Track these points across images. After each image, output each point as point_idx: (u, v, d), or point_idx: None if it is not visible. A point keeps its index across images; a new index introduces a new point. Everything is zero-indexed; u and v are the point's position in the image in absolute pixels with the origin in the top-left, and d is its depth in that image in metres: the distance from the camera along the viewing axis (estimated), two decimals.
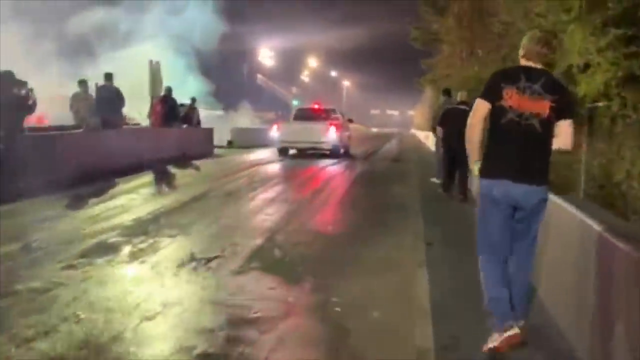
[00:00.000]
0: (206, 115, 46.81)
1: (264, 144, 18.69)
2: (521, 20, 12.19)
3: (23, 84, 8.98)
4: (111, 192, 8.40)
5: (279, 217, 6.93)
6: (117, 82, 12.55)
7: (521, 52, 3.25)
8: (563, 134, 3.15)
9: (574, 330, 3.28)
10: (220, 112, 62.23)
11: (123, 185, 9.10)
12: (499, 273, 3.22)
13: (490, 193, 3.17)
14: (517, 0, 11.63)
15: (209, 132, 17.31)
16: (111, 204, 7.50)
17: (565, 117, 3.13)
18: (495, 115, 3.12)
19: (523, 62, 3.21)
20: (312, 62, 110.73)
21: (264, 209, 7.41)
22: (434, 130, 10.82)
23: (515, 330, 3.10)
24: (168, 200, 7.96)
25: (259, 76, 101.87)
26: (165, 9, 36.74)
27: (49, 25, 28.76)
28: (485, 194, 3.22)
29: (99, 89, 12.57)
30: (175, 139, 14.52)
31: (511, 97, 3.06)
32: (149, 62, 15.14)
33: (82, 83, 12.23)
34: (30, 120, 16.31)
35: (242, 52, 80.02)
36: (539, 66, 3.15)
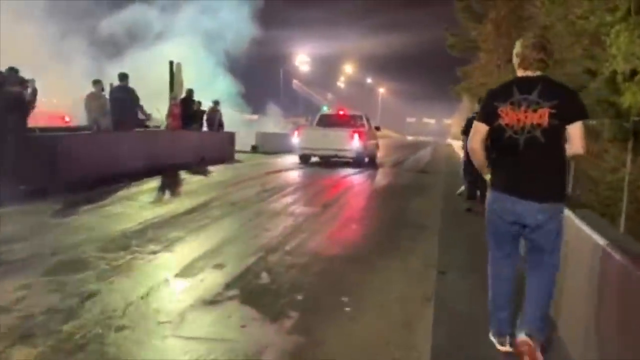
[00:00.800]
0: (235, 118, 47.04)
1: (289, 150, 18.10)
2: (561, 23, 11.37)
3: (25, 81, 8.67)
4: (108, 198, 7.92)
5: (279, 232, 6.28)
6: (145, 81, 12.31)
7: (516, 61, 3.10)
8: (572, 138, 2.97)
9: None
10: (251, 116, 62.57)
11: (124, 191, 8.64)
12: (502, 291, 3.23)
13: (491, 206, 3.19)
14: (556, 3, 10.78)
15: (231, 136, 16.85)
16: (103, 212, 7.02)
17: (572, 121, 2.95)
18: (495, 135, 3.08)
19: (520, 72, 3.07)
20: (348, 68, 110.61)
21: (265, 223, 6.78)
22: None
23: (507, 349, 3.18)
24: (166, 209, 7.43)
25: (295, 81, 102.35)
26: (200, 9, 36.85)
27: (81, 24, 29.19)
28: (487, 206, 3.24)
29: (113, 89, 12.25)
30: (193, 143, 14.10)
31: (507, 115, 3.00)
32: (169, 62, 14.74)
33: (97, 83, 11.89)
34: (53, 120, 16.34)
35: (279, 57, 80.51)
36: (537, 73, 3.02)
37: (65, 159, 8.49)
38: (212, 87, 34.96)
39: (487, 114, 3.09)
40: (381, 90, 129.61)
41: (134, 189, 8.87)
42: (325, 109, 29.84)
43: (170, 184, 9.75)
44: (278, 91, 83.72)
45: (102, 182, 8.89)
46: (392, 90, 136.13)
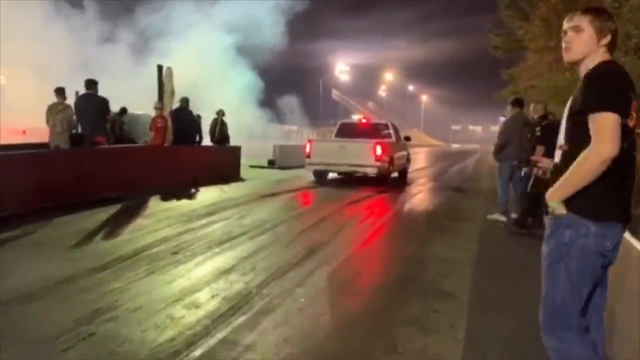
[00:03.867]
0: (274, 129, 45.85)
1: None
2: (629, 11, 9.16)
3: None
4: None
5: (191, 321, 3.91)
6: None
7: (608, 42, 2.23)
8: None
9: None
10: (290, 127, 61.34)
11: (33, 230, 6.46)
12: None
13: (601, 244, 2.17)
14: None
15: (235, 151, 14.64)
16: None
17: None
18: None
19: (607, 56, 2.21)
20: (389, 76, 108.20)
21: (185, 296, 4.37)
22: (498, 150, 7.65)
23: None
24: (54, 266, 5.17)
25: (334, 91, 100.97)
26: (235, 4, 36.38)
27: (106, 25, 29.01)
28: (589, 245, 2.17)
29: (79, 99, 10.29)
30: (184, 160, 11.97)
31: (634, 113, 2.16)
32: (157, 67, 12.73)
33: (59, 92, 9.93)
34: (11, 135, 14.59)
35: (318, 67, 79.28)
36: None
37: None
38: (227, 80, 34.76)
39: (624, 104, 2.10)
40: (424, 97, 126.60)
41: (46, 228, 6.68)
42: (356, 118, 27.46)
43: (115, 218, 7.48)
44: (317, 101, 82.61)
45: (27, 216, 6.83)
46: (436, 97, 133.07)
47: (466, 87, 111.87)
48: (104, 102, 10.19)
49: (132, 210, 8.19)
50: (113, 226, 6.97)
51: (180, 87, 13.88)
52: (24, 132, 15.78)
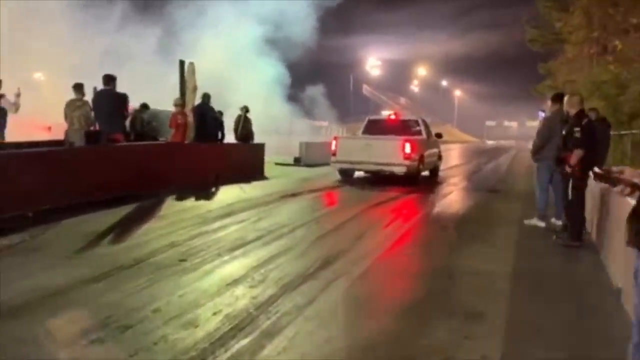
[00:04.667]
0: (301, 125, 45.58)
1: None
2: None
3: None
4: None
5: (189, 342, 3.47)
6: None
7: None
8: None
9: None
10: (321, 122, 60.93)
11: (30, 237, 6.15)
12: None
13: None
14: None
15: (259, 148, 14.25)
16: None
17: None
18: None
19: None
20: (422, 71, 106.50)
21: (185, 313, 3.93)
22: (537, 149, 6.97)
23: None
24: (51, 275, 4.81)
25: (365, 86, 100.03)
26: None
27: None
28: None
29: (96, 95, 10.01)
30: (206, 158, 11.62)
31: None
32: (179, 62, 12.42)
33: (78, 88, 9.67)
34: (35, 131, 14.53)
35: (349, 62, 78.56)
36: None
37: None
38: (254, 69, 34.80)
39: None
40: (457, 92, 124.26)
41: (48, 232, 6.36)
42: (385, 114, 26.78)
43: (126, 220, 7.11)
44: (348, 97, 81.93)
45: (37, 218, 6.56)
46: (470, 92, 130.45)
47: (502, 82, 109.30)
48: (122, 98, 9.88)
49: (146, 211, 7.86)
50: (122, 229, 6.62)
51: (206, 81, 13.62)
52: (50, 128, 15.71)
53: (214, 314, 3.89)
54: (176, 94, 12.38)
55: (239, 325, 3.66)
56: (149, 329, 3.61)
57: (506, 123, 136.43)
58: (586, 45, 28.29)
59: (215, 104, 15.96)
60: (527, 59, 42.88)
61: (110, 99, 9.69)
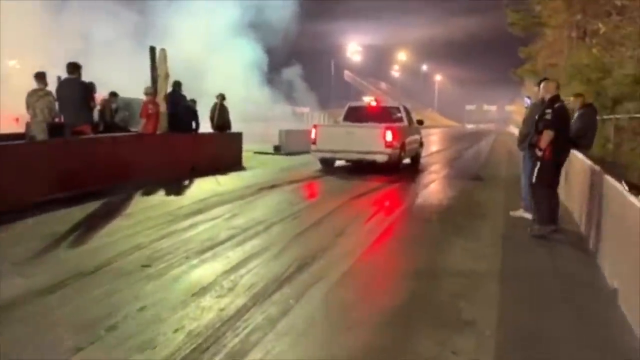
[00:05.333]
0: (282, 110, 45.00)
1: None
2: None
3: None
4: None
5: None
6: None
7: None
8: None
9: None
10: (302, 109, 60.35)
11: None
12: None
13: None
14: None
15: (236, 137, 13.75)
16: None
17: None
18: None
19: None
20: (402, 56, 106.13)
21: (142, 332, 3.51)
22: (524, 137, 6.71)
23: None
24: None
25: (346, 72, 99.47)
26: None
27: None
28: None
29: (60, 84, 9.45)
30: (180, 149, 11.13)
31: None
32: (150, 48, 11.82)
33: (39, 77, 9.08)
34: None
35: (329, 47, 77.94)
36: None
37: None
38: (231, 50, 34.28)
39: None
40: (438, 77, 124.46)
41: None
42: (367, 100, 26.37)
43: (80, 223, 6.55)
44: (328, 83, 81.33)
45: None
46: (450, 77, 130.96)
47: (481, 66, 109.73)
48: (88, 88, 9.35)
49: (112, 208, 7.38)
50: (84, 230, 6.16)
51: (184, 68, 13.03)
52: (17, 119, 15.01)
53: (176, 331, 3.49)
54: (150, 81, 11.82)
55: (202, 346, 3.28)
56: (100, 352, 3.22)
57: (486, 107, 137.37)
58: (566, 29, 28.14)
59: (193, 91, 15.37)
60: (507, 43, 42.78)
61: (75, 89, 9.16)
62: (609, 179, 4.98)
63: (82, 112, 9.20)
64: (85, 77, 10.75)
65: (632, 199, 4.01)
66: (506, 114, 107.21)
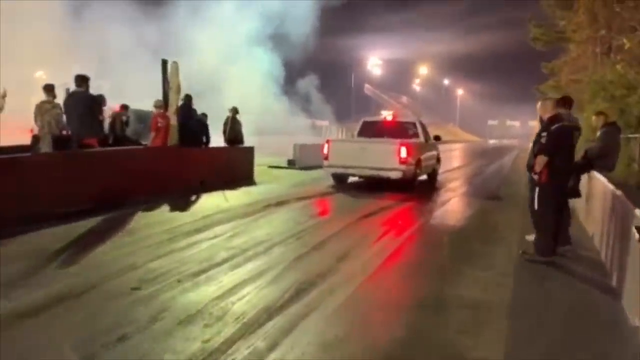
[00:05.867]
0: (300, 123, 45.03)
1: None
2: None
3: None
4: None
5: None
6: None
7: None
8: None
9: None
10: (321, 122, 60.35)
11: None
12: None
13: None
14: None
15: (248, 151, 13.57)
16: None
17: None
18: None
19: None
20: (423, 70, 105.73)
21: None
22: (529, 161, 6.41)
23: None
24: None
25: (367, 85, 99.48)
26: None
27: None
28: None
29: (68, 97, 9.39)
30: (190, 163, 10.97)
31: None
32: (162, 61, 11.75)
33: (48, 89, 9.05)
34: (19, 134, 13.89)
35: (350, 61, 78.02)
36: None
37: None
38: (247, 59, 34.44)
39: None
40: (460, 91, 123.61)
41: None
42: (384, 114, 26.08)
43: (75, 241, 6.34)
44: (349, 96, 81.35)
45: None
46: (472, 91, 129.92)
47: (504, 82, 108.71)
48: (96, 100, 9.28)
49: (113, 225, 7.19)
50: (79, 247, 5.97)
51: (201, 80, 12.96)
52: (32, 131, 15.06)
53: None
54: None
55: None
56: None
57: (508, 122, 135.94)
58: (590, 44, 27.56)
59: (210, 104, 15.25)
60: (530, 58, 42.12)
61: (83, 101, 9.09)
62: (630, 206, 4.60)
63: (90, 125, 9.11)
64: (104, 89, 10.74)
65: None
66: (529, 129, 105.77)
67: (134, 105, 15.91)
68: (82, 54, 24.76)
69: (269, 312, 4.11)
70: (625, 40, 14.48)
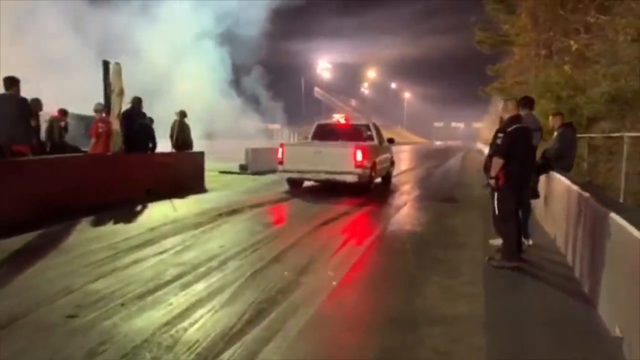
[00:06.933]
0: (249, 126, 44.34)
1: None
2: None
3: None
4: None
5: None
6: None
7: None
8: None
9: None
10: (273, 125, 59.80)
11: None
12: None
13: None
14: None
15: (198, 157, 12.98)
16: None
17: None
18: None
19: None
20: (372, 73, 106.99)
21: None
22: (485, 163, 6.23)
23: None
24: None
25: (316, 89, 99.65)
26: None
27: None
28: None
29: None
30: (134, 171, 10.31)
31: None
32: (103, 62, 11.03)
33: None
34: None
35: (300, 65, 78.05)
36: None
37: None
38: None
39: None
40: (407, 95, 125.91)
41: None
42: (337, 117, 25.89)
43: (5, 261, 5.69)
44: (299, 99, 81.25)
45: None
46: (419, 94, 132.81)
47: (450, 84, 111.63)
48: (26, 104, 8.50)
49: (46, 241, 6.53)
50: (7, 268, 5.33)
51: (149, 82, 12.30)
52: None
53: None
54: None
55: None
56: None
57: (453, 124, 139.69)
58: (533, 47, 28.37)
59: (157, 107, 14.51)
60: (476, 62, 43.13)
61: (12, 105, 8.29)
62: (599, 206, 4.45)
63: (20, 131, 8.32)
64: (43, 92, 9.91)
65: (635, 232, 3.46)
66: (473, 130, 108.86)
67: (76, 110, 15.01)
68: (18, 55, 23.26)
69: (226, 339, 3.67)
70: (572, 42, 14.80)
